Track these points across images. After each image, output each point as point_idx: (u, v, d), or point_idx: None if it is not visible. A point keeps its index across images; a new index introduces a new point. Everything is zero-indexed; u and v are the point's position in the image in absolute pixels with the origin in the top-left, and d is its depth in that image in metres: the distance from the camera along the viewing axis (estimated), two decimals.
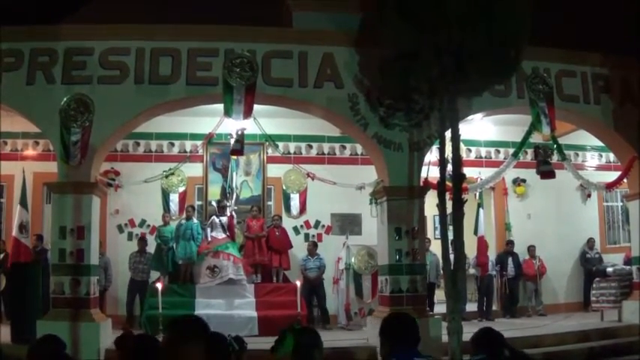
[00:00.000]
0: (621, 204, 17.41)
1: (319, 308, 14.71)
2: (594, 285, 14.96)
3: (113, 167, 14.99)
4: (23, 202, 13.86)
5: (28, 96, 11.42)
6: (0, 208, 15.43)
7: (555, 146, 13.75)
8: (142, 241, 14.86)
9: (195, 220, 14.67)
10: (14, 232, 13.68)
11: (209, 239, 14.44)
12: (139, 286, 14.43)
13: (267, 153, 15.89)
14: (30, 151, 15.23)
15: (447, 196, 10.43)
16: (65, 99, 11.06)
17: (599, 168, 17.54)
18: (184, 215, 14.84)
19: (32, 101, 11.43)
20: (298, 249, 15.29)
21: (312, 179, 14.13)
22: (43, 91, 11.41)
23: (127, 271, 14.65)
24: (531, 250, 16.50)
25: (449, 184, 10.38)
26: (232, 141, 12.47)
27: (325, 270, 14.93)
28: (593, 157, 17.75)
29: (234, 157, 14.41)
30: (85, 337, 10.67)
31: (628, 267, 14.85)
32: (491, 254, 16.35)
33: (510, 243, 16.49)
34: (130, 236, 15.33)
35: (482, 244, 15.91)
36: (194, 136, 15.25)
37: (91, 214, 11.46)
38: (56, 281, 11.14)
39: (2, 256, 14.14)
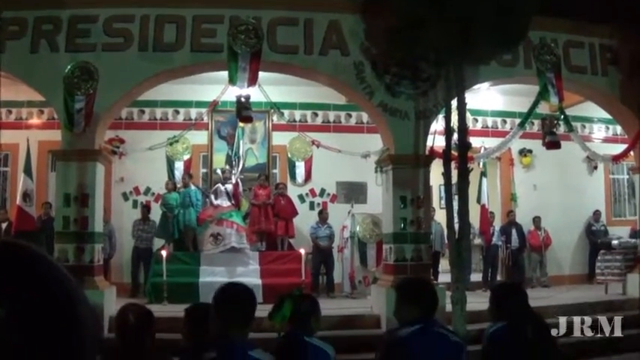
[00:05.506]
0: (627, 177, 17.30)
1: (327, 276, 14.75)
2: (599, 257, 14.92)
3: (118, 135, 14.95)
4: (27, 171, 13.88)
5: (32, 64, 11.33)
6: (4, 177, 15.47)
7: (562, 117, 13.66)
8: (145, 208, 14.88)
9: (192, 187, 14.63)
10: (18, 200, 13.72)
11: (214, 205, 14.41)
12: (143, 254, 14.48)
13: (272, 121, 15.81)
14: (35, 120, 15.20)
15: (453, 165, 10.41)
16: (69, 67, 10.96)
17: (606, 140, 17.42)
18: (181, 183, 14.79)
19: (36, 69, 11.34)
20: (303, 217, 15.27)
21: (318, 147, 14.07)
22: (47, 59, 11.31)
23: (132, 239, 14.72)
24: (536, 221, 16.45)
25: (454, 153, 10.34)
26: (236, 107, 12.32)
27: (335, 239, 14.94)
28: (600, 129, 17.66)
29: (242, 124, 14.36)
30: None
31: (633, 240, 14.86)
32: (497, 225, 16.34)
33: (511, 213, 16.44)
34: (134, 204, 15.35)
35: (484, 213, 15.90)
36: (199, 104, 15.18)
37: (96, 182, 11.46)
38: (60, 249, 11.15)
39: (6, 224, 14.17)
